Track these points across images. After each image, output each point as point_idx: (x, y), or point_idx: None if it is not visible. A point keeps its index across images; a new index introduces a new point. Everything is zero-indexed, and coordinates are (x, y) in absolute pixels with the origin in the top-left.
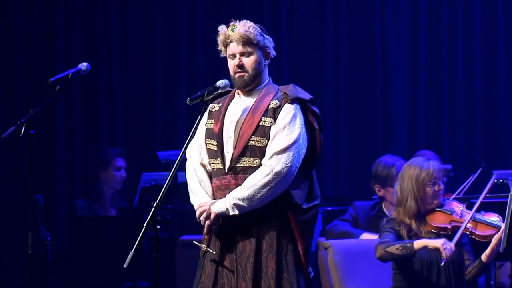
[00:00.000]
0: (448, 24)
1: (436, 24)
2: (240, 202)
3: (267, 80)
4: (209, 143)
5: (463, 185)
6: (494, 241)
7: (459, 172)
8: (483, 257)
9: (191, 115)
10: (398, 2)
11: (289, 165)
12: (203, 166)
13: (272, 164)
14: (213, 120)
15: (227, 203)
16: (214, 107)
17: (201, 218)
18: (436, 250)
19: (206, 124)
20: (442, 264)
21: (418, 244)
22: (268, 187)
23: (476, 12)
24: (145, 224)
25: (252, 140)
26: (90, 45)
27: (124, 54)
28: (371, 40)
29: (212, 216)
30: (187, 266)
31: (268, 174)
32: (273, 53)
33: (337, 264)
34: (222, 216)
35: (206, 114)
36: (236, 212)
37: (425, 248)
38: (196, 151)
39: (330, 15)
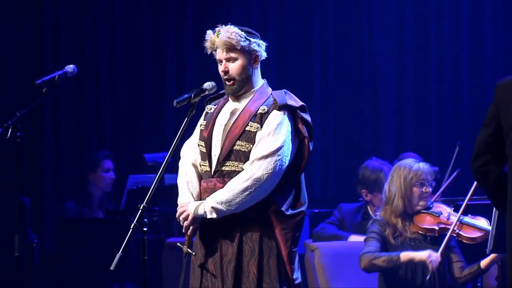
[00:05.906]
0: (435, 25)
1: (424, 25)
2: (218, 206)
3: (260, 84)
4: (200, 145)
5: (447, 176)
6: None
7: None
8: (482, 264)
9: (179, 117)
10: (386, 4)
11: (270, 172)
12: (195, 166)
13: (253, 170)
14: (206, 122)
15: (206, 206)
16: (210, 108)
17: (180, 218)
18: (422, 263)
19: (201, 126)
20: (428, 278)
21: (404, 256)
22: (247, 192)
23: (464, 14)
24: (132, 226)
25: (237, 145)
26: (78, 47)
27: (111, 56)
28: (359, 41)
29: (190, 217)
30: (173, 268)
31: (247, 180)
32: (262, 56)
33: (324, 266)
34: (205, 219)
35: (203, 114)
36: (214, 215)
37: (411, 261)
38: (191, 151)
39: (317, 18)
